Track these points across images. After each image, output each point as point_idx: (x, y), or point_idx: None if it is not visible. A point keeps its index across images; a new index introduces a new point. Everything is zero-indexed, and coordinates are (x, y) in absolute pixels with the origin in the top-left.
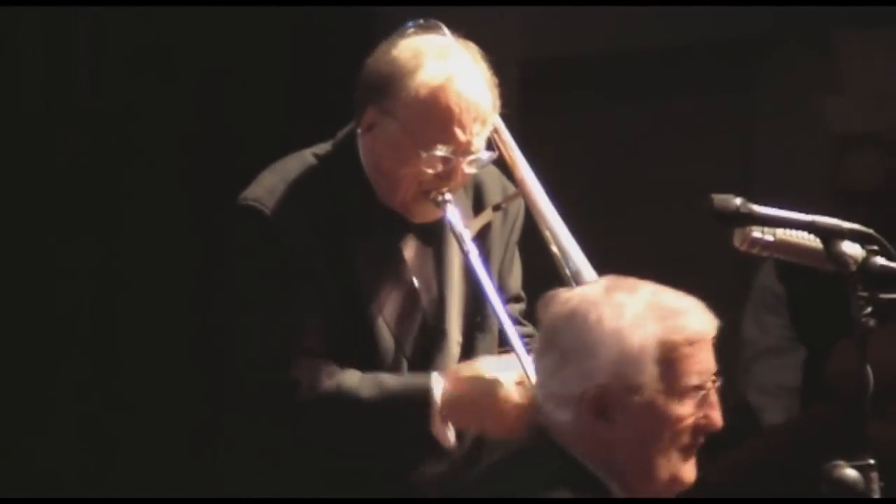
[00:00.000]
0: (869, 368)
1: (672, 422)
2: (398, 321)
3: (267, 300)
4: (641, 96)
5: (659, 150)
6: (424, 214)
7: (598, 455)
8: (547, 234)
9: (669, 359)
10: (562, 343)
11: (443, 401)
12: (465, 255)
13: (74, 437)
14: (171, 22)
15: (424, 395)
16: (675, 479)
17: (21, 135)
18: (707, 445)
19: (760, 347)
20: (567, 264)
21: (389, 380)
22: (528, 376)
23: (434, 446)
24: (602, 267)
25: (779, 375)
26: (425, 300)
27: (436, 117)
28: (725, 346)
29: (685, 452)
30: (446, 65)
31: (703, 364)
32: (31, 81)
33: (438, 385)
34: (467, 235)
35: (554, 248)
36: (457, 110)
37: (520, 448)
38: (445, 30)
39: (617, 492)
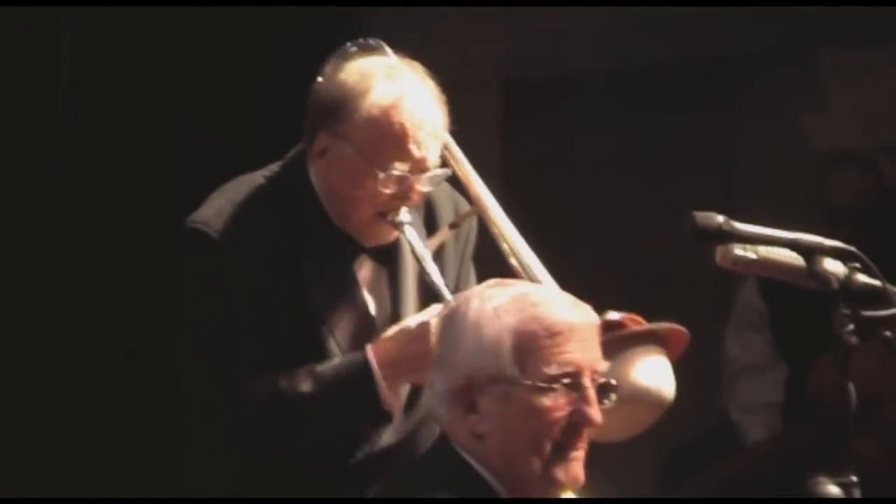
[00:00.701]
0: (851, 385)
1: (538, 413)
2: (351, 343)
3: (209, 323)
4: (624, 115)
5: (641, 168)
6: (379, 237)
7: (475, 451)
8: (505, 247)
9: (526, 349)
10: (439, 342)
11: (379, 364)
12: (427, 275)
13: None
14: (155, 40)
15: (363, 366)
16: (550, 478)
17: (3, 153)
18: (689, 462)
19: (743, 364)
20: (528, 277)
21: (322, 367)
22: None
23: (383, 415)
24: (585, 284)
25: (761, 393)
26: (379, 321)
27: (390, 136)
28: (707, 362)
29: (561, 450)
30: (396, 84)
31: (567, 356)
32: (14, 100)
33: (370, 353)
34: (428, 255)
35: (513, 261)
36: (411, 127)
37: (428, 450)
38: (388, 49)
39: (501, 492)
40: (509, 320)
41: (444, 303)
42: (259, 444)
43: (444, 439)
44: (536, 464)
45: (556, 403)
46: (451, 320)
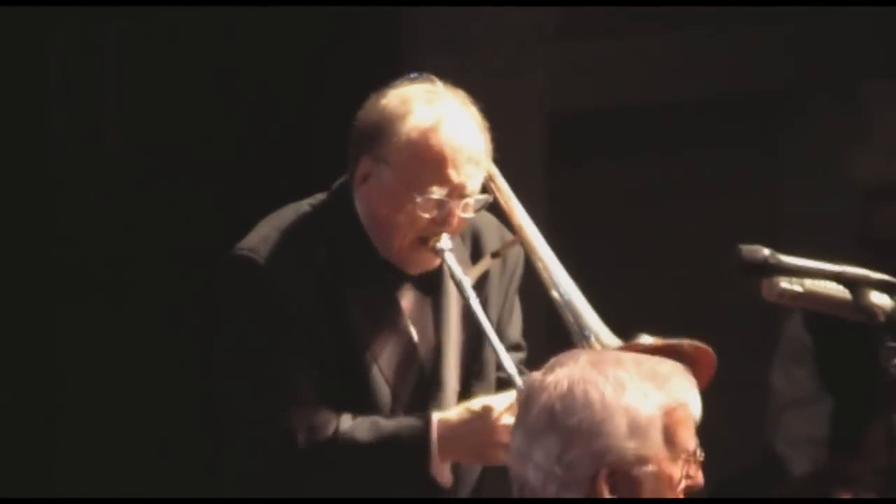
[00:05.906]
0: None
1: (673, 486)
2: (395, 371)
3: (260, 351)
4: (667, 148)
5: (685, 202)
6: (421, 264)
7: None
8: (546, 278)
9: (671, 424)
10: (563, 425)
11: (438, 438)
12: (465, 300)
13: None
14: (199, 69)
15: (422, 436)
16: None
17: (49, 184)
18: (737, 496)
19: (789, 398)
20: (569, 309)
21: (385, 422)
22: None
23: (432, 485)
24: (630, 318)
25: (807, 426)
26: (423, 350)
27: (428, 159)
28: (752, 396)
29: None
30: (436, 108)
31: (692, 426)
32: (59, 130)
33: (434, 424)
34: (467, 282)
35: (554, 294)
36: (449, 151)
37: None
38: (438, 83)
39: None
40: (658, 400)
41: (483, 330)
42: (308, 478)
43: None
44: None
45: (681, 472)
46: (582, 406)
